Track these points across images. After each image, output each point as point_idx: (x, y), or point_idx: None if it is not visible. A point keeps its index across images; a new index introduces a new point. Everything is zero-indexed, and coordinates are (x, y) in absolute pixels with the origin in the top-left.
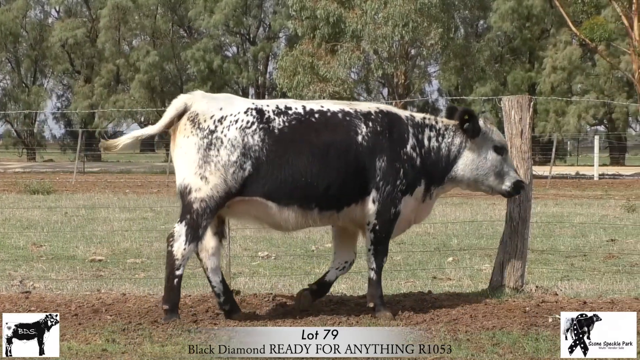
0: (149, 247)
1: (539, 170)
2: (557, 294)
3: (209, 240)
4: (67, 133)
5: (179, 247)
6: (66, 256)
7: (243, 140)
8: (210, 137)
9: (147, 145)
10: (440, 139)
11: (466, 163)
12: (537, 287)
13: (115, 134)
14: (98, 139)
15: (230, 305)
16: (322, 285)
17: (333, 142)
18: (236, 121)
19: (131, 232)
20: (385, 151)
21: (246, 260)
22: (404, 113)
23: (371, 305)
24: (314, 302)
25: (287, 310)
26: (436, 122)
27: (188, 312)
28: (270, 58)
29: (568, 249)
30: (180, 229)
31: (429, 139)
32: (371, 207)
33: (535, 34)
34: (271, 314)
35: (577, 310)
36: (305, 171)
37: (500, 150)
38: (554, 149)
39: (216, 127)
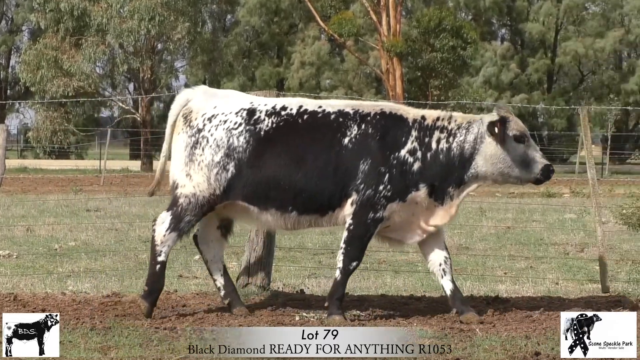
0: None
1: None
2: (304, 292)
3: (210, 233)
4: None
5: (160, 232)
6: None
7: (228, 141)
8: (197, 135)
9: None
10: (451, 139)
11: (486, 158)
12: (284, 285)
13: None
14: None
15: (230, 299)
16: (452, 299)
17: (312, 143)
18: (225, 121)
19: None
20: (371, 154)
21: None
22: (414, 115)
23: (326, 305)
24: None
25: (29, 309)
26: (449, 122)
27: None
28: (12, 52)
29: (316, 246)
30: (164, 216)
31: (438, 141)
32: (348, 209)
33: (284, 29)
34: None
35: (320, 307)
36: (280, 173)
37: (521, 138)
38: None
39: (204, 125)
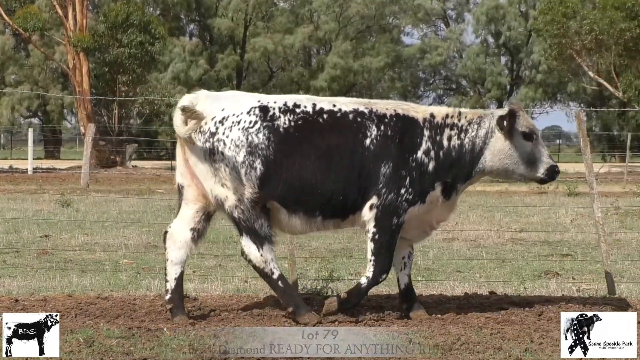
0: None
1: None
2: None
3: (181, 232)
4: None
5: (256, 257)
6: None
7: (247, 139)
8: (211, 140)
9: None
10: (462, 135)
11: (494, 153)
12: None
13: None
14: None
15: (174, 304)
16: (405, 294)
17: (339, 145)
18: (238, 122)
19: None
20: (393, 157)
21: None
22: (424, 114)
23: (343, 296)
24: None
25: None
26: (459, 119)
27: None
28: None
29: (0, 246)
30: (245, 242)
31: (449, 138)
32: (367, 213)
33: None
34: None
35: (4, 307)
36: (311, 175)
37: (529, 136)
38: None
39: (217, 129)
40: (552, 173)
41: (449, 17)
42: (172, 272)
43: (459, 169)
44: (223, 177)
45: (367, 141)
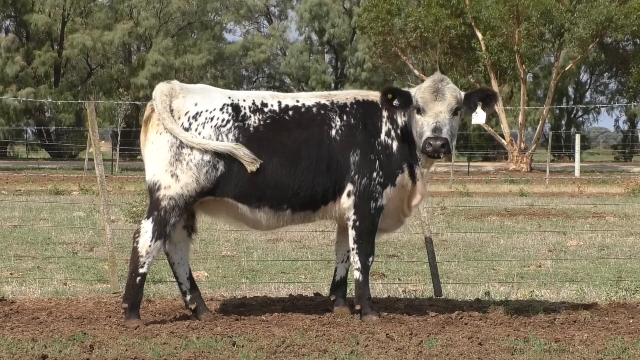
0: None
1: None
2: None
3: (177, 234)
4: None
5: (144, 243)
6: None
7: (218, 139)
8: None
9: None
10: (404, 113)
11: (415, 130)
12: None
13: None
14: None
15: (197, 304)
16: (336, 286)
17: (305, 139)
18: (211, 119)
19: None
20: (359, 144)
21: None
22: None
23: (357, 307)
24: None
25: None
26: None
27: None
28: None
29: None
30: (147, 226)
31: (400, 115)
32: (346, 201)
33: None
34: None
35: None
36: (276, 172)
37: (419, 109)
38: None
39: (190, 124)
40: (425, 145)
41: (272, 14)
42: (183, 274)
43: (412, 147)
44: (179, 169)
45: (333, 132)
